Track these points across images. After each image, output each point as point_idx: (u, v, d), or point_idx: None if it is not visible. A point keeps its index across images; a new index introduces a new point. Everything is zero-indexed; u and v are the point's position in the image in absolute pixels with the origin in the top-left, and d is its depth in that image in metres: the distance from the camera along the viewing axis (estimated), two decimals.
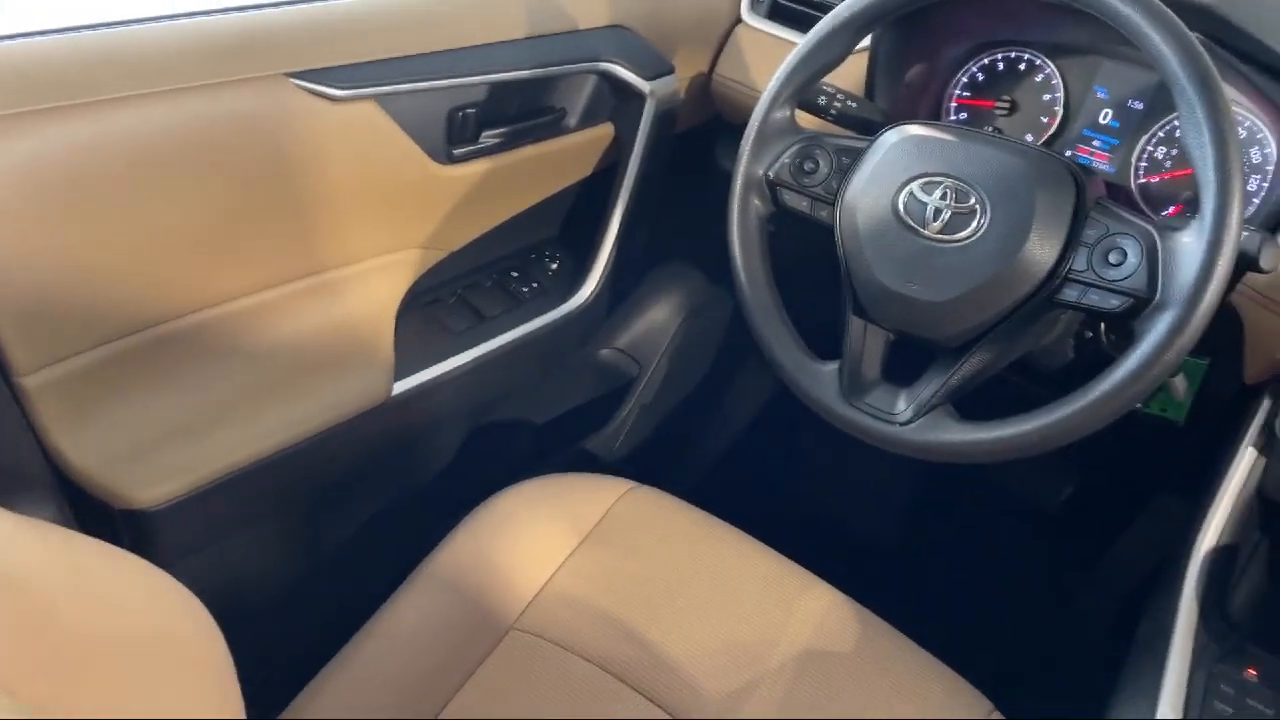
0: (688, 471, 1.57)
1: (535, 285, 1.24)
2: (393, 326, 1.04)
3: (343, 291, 0.98)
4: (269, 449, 0.93)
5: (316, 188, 0.90)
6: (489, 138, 1.05)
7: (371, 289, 1.01)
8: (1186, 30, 0.72)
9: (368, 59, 0.91)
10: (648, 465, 1.47)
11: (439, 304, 1.17)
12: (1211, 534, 0.85)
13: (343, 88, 0.88)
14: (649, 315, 1.46)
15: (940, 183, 0.80)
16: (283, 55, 0.85)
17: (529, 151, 1.09)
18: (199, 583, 0.68)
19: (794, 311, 0.90)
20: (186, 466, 0.88)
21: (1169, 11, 0.73)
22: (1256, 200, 0.89)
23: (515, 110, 1.07)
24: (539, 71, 1.03)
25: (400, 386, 1.05)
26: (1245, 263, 0.75)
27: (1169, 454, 1.10)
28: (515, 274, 1.24)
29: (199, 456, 0.88)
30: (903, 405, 0.83)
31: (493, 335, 1.16)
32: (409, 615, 0.91)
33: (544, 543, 0.97)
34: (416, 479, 1.23)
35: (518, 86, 1.04)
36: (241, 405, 0.92)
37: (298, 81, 0.86)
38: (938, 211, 0.80)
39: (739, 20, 1.21)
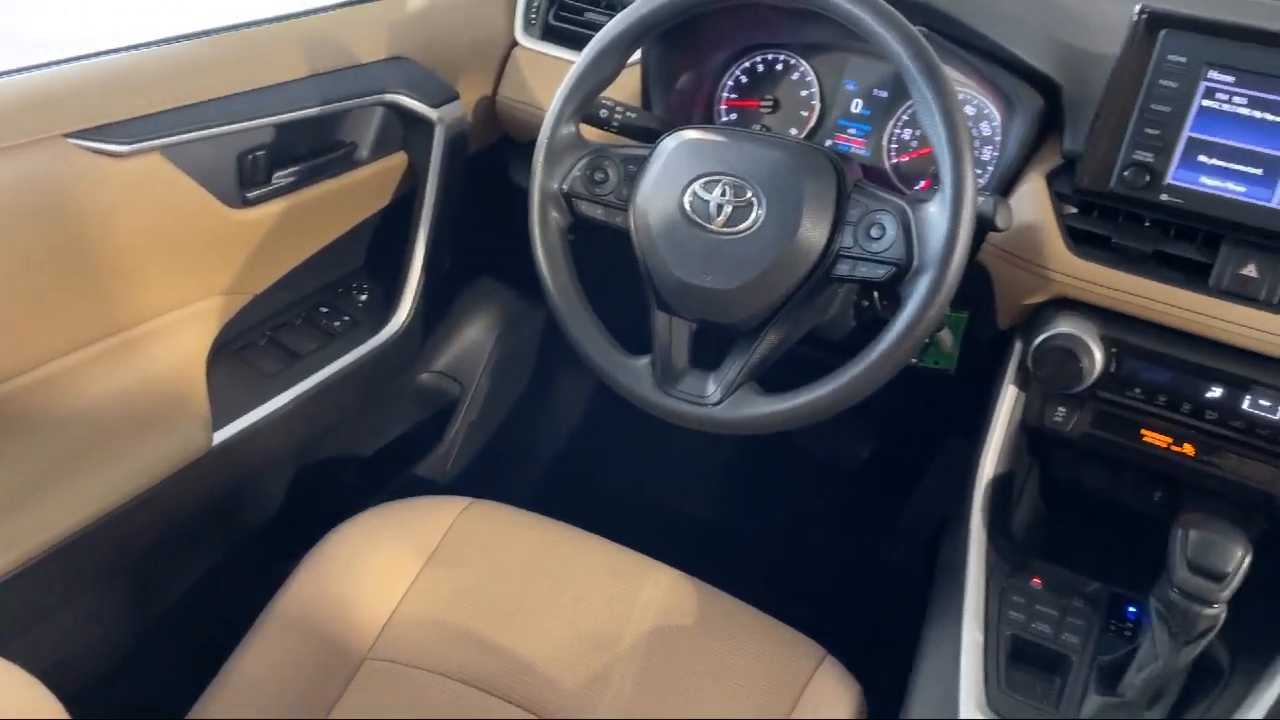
0: (522, 480, 1.61)
1: (346, 318, 1.24)
2: (204, 376, 1.03)
3: (148, 347, 0.97)
4: (91, 516, 0.91)
5: (107, 246, 0.88)
6: (281, 178, 1.05)
7: (178, 341, 1.00)
8: (910, 25, 0.82)
9: (149, 111, 0.90)
10: (482, 480, 1.49)
11: (250, 348, 1.16)
12: (989, 465, 0.97)
13: (125, 143, 0.87)
14: (465, 335, 1.49)
15: (719, 180, 0.87)
16: (60, 116, 0.84)
17: (324, 187, 1.10)
18: (35, 661, 0.67)
19: (605, 313, 0.96)
20: (4, 545, 0.85)
21: (894, 10, 0.82)
22: (991, 168, 1.01)
23: (306, 148, 1.08)
24: (325, 108, 1.05)
25: (220, 436, 1.04)
26: (984, 224, 0.86)
27: (948, 401, 1.22)
28: (325, 309, 1.24)
29: (16, 533, 0.85)
30: (712, 388, 0.89)
31: (309, 373, 1.16)
32: (257, 664, 0.91)
33: (388, 570, 0.98)
34: (250, 525, 1.21)
35: (306, 124, 1.05)
36: (57, 475, 0.89)
37: (77, 141, 0.84)
38: (720, 207, 0.87)
39: (515, 43, 1.26)
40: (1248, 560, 0.77)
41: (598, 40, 0.93)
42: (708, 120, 1.17)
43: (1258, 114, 0.84)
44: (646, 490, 1.61)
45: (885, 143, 1.08)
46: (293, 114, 1.01)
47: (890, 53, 0.82)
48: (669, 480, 1.62)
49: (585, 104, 0.96)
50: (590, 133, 0.99)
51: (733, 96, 1.16)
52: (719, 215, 0.87)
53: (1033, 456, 1.04)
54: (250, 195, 1.02)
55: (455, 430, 1.46)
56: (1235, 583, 0.77)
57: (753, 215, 0.86)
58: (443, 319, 1.46)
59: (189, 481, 1.00)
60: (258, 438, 1.09)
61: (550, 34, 1.24)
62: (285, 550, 1.02)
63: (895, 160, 1.08)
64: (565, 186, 0.95)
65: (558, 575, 0.99)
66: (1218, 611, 0.78)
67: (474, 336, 1.49)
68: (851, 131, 1.11)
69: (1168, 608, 0.79)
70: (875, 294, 1.00)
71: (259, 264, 1.06)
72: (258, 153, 1.01)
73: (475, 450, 1.50)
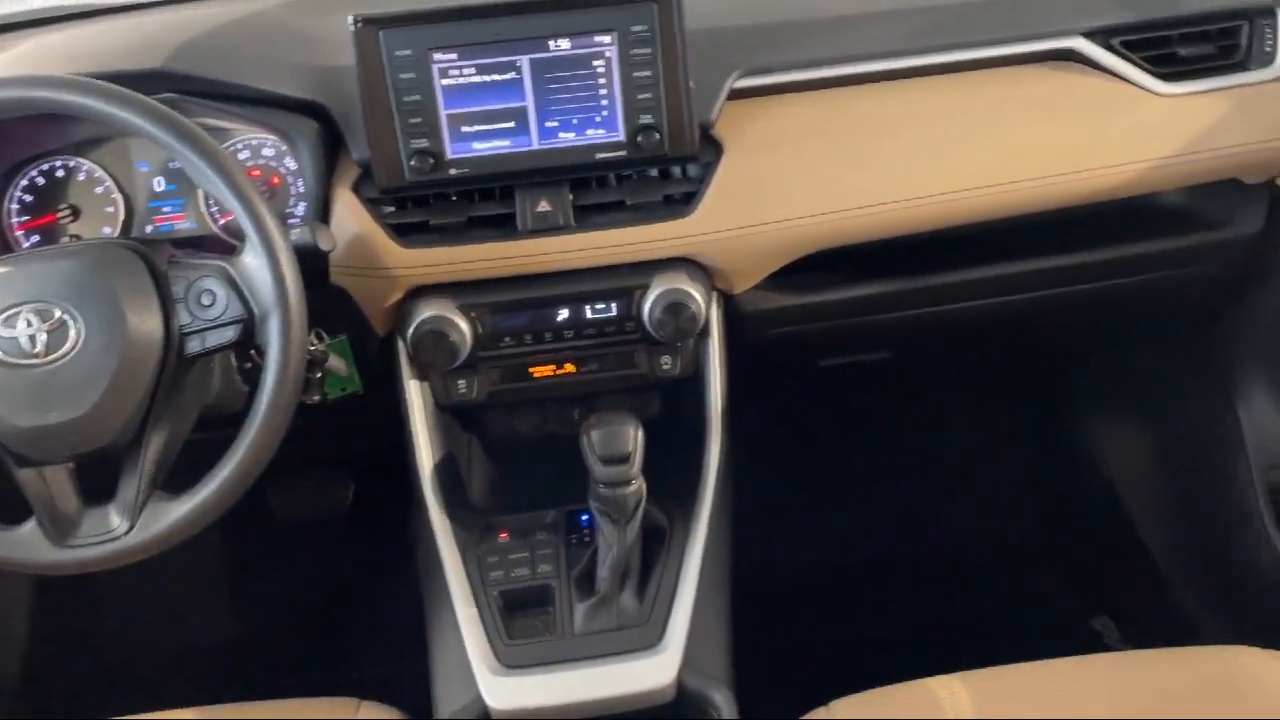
0: None
1: None
2: None
3: None
4: None
5: None
6: None
7: None
8: (144, 98, 0.81)
9: None
10: None
11: None
12: (425, 456, 1.02)
13: None
14: None
15: (19, 312, 0.81)
16: None
17: None
18: None
19: None
20: None
21: (121, 89, 0.81)
22: (305, 201, 1.04)
23: None
24: None
25: None
26: (310, 251, 0.89)
27: (375, 418, 1.26)
28: None
29: None
30: (117, 519, 0.84)
31: None
32: None
33: None
34: None
35: None
36: None
37: None
38: (32, 338, 0.80)
39: None
40: (640, 435, 0.90)
41: None
42: (7, 252, 1.06)
43: (488, 78, 0.96)
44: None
45: (204, 209, 1.07)
46: None
47: (138, 130, 0.81)
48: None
49: None
50: None
51: (24, 219, 1.06)
52: (36, 346, 0.80)
53: (467, 430, 1.12)
54: None
55: None
56: (639, 457, 0.90)
57: (72, 334, 0.81)
58: None
59: None
60: None
61: None
62: None
63: (222, 222, 1.08)
64: None
65: None
66: (637, 486, 0.90)
67: None
68: (167, 210, 1.08)
69: (601, 501, 0.90)
70: (252, 353, 1.00)
71: None
72: None
73: None
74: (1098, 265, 1.13)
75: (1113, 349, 1.55)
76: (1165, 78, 1.06)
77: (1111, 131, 1.05)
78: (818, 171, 1.03)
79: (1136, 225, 1.14)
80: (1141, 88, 1.05)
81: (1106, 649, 0.95)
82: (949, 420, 1.69)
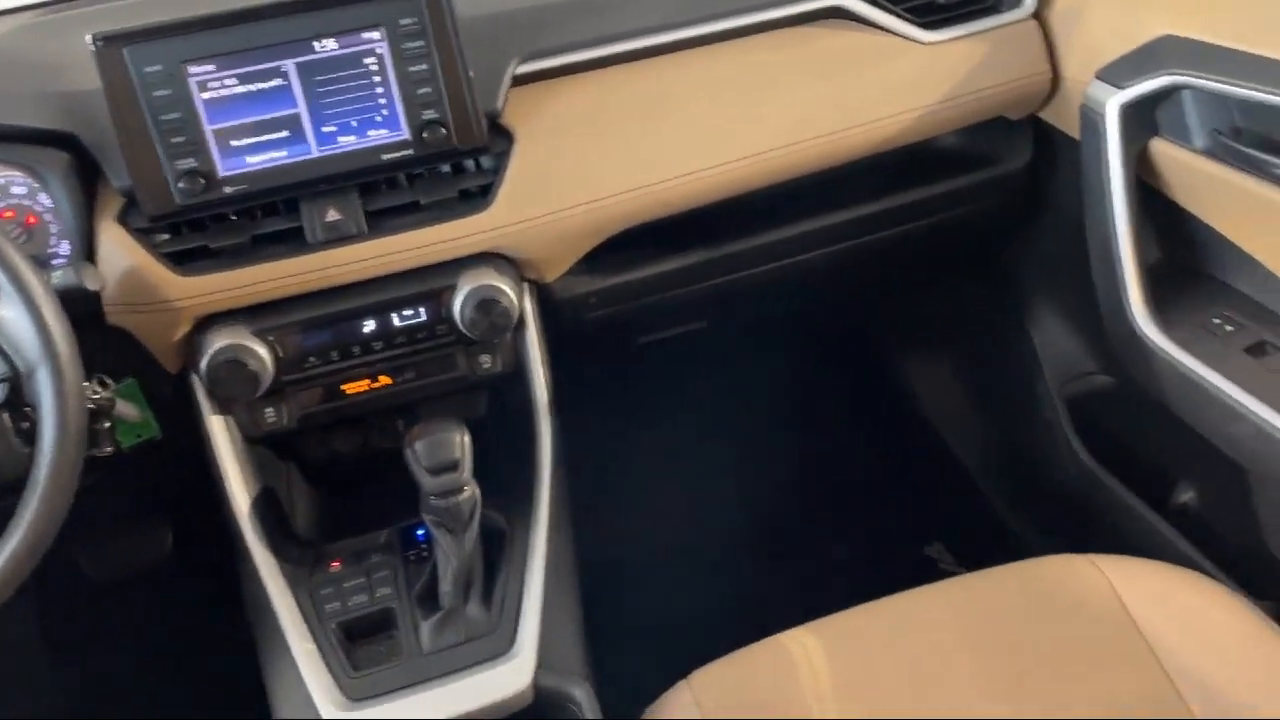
0: None
1: None
2: None
3: None
4: None
5: None
6: None
7: None
8: None
9: None
10: None
11: None
12: (239, 494, 0.96)
13: None
14: None
15: None
16: None
17: None
18: None
19: None
20: None
21: None
22: (66, 239, 0.95)
23: None
24: None
25: None
26: (76, 294, 0.82)
27: (182, 460, 1.18)
28: None
29: None
30: None
31: None
32: None
33: None
34: None
35: None
36: None
37: None
38: None
39: None
40: (467, 439, 0.88)
41: None
42: None
43: (253, 87, 0.90)
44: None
45: None
46: None
47: None
48: None
49: None
50: None
51: None
52: None
53: (283, 458, 1.06)
54: None
55: None
56: (468, 462, 0.87)
57: None
58: None
59: None
60: None
61: None
62: None
63: None
64: None
65: None
66: (470, 492, 0.88)
67: None
68: None
69: (434, 513, 0.87)
70: (27, 410, 0.91)
71: None
72: None
73: None
74: (888, 213, 1.18)
75: (916, 289, 1.62)
76: (927, 26, 1.10)
77: (884, 84, 1.09)
78: (611, 150, 1.02)
79: (919, 171, 1.19)
80: (907, 38, 1.10)
81: (943, 574, 1.00)
82: (773, 379, 1.73)
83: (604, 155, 1.02)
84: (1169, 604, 0.92)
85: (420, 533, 0.97)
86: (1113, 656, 0.88)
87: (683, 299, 1.16)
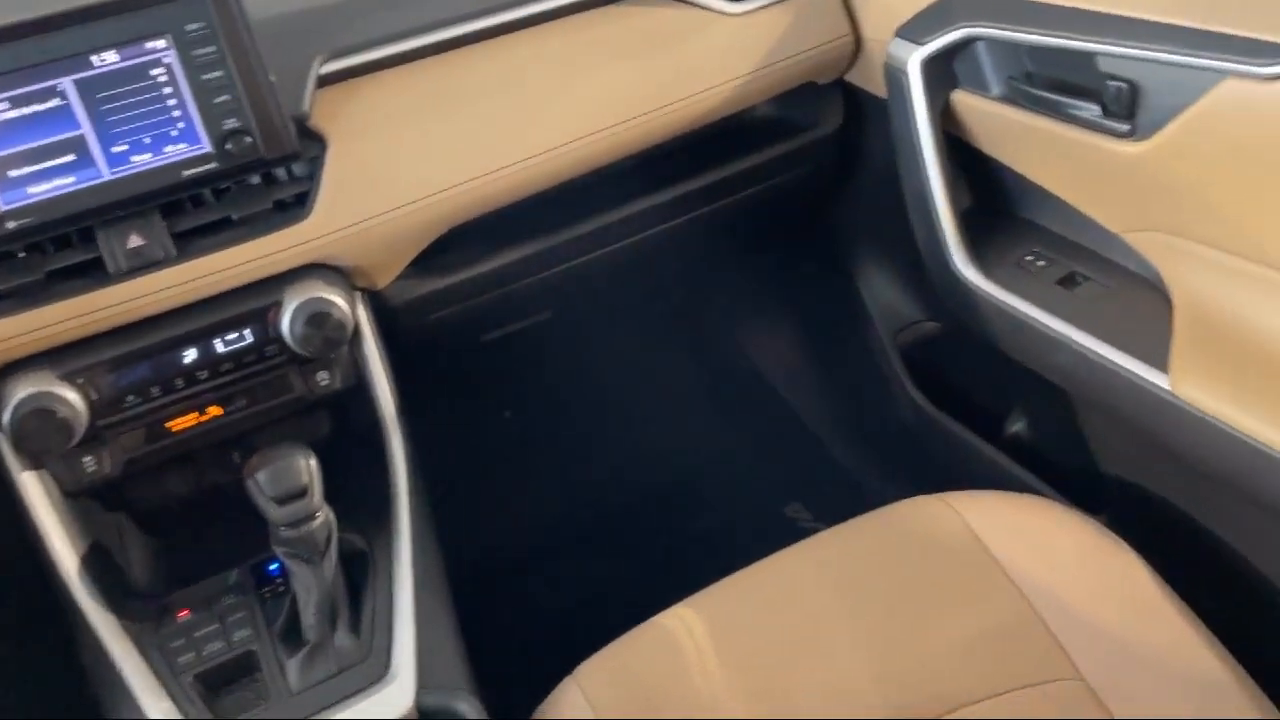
0: None
1: None
2: None
3: None
4: None
5: None
6: None
7: None
8: None
9: None
10: None
11: None
12: (60, 545, 0.87)
13: None
14: None
15: None
16: None
17: None
18: None
19: None
20: None
21: None
22: None
23: None
24: None
25: None
26: None
27: None
28: None
29: None
30: None
31: None
32: None
33: None
34: None
35: None
36: None
37: None
38: None
39: None
40: (314, 462, 0.83)
41: None
42: None
43: (27, 110, 0.82)
44: None
45: None
46: None
47: None
48: None
49: None
50: None
51: None
52: None
53: (113, 508, 0.98)
54: None
55: None
56: (318, 486, 0.83)
57: None
58: None
59: None
60: None
61: None
62: None
63: None
64: None
65: None
66: (324, 517, 0.83)
67: None
68: None
69: (287, 544, 0.82)
70: None
71: None
72: None
73: None
74: (714, 186, 1.19)
75: (751, 258, 1.65)
76: None
77: (697, 57, 1.09)
78: (430, 146, 0.99)
79: (742, 143, 1.21)
80: (713, 10, 1.11)
81: (804, 533, 1.02)
82: (620, 362, 1.73)
83: (423, 152, 0.99)
84: (1017, 530, 0.97)
85: (274, 567, 0.91)
86: (974, 587, 0.92)
87: (524, 291, 1.14)
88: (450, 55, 1.03)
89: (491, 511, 1.55)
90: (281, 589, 0.90)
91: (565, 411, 1.69)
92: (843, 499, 1.57)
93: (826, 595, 0.94)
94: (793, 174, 1.27)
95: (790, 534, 1.02)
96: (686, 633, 0.91)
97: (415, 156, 0.98)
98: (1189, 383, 0.89)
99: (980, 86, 1.06)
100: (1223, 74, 0.79)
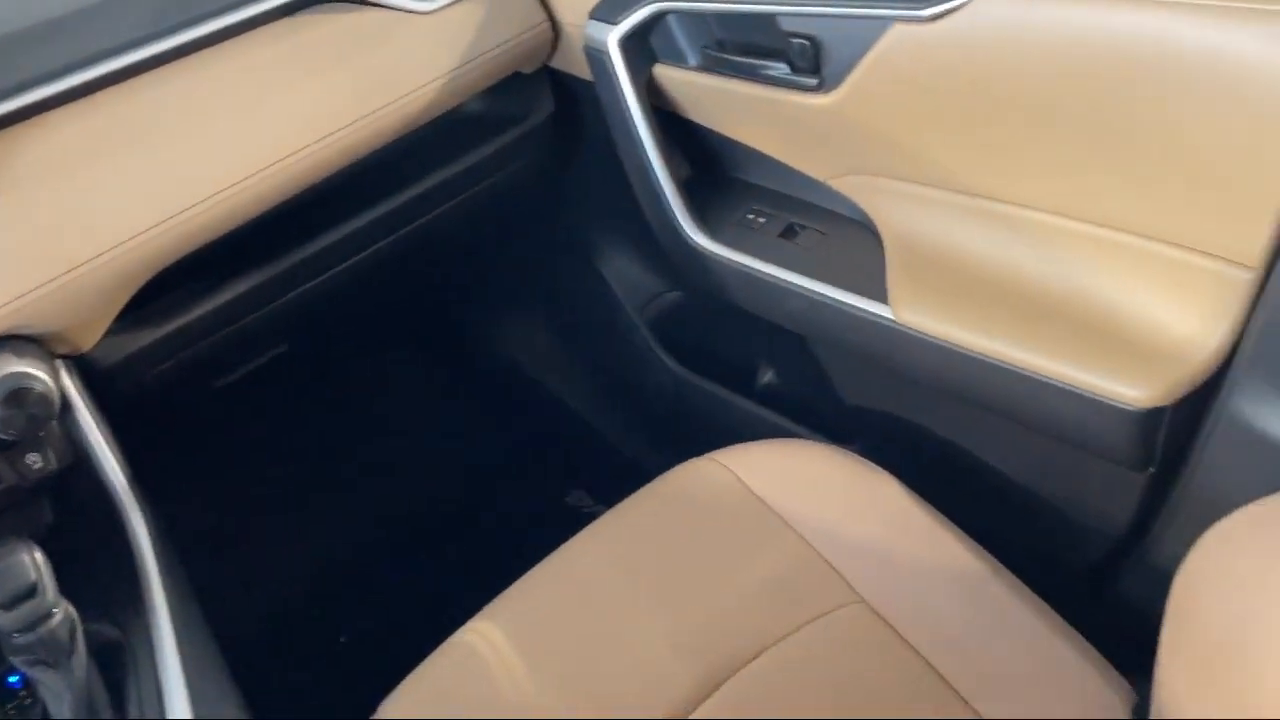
0: None
1: None
2: None
3: None
4: None
5: None
6: None
7: None
8: None
9: None
10: None
11: None
12: None
13: None
14: None
15: None
16: None
17: None
18: None
19: None
20: None
21: None
22: None
23: None
24: None
25: None
26: None
27: None
28: None
29: None
30: None
31: None
32: None
33: None
34: None
35: None
36: None
37: None
38: None
39: None
40: (40, 556, 0.74)
41: None
42: None
43: None
44: None
45: None
46: None
47: None
48: None
49: None
50: None
51: None
52: None
53: None
54: None
55: None
56: (50, 581, 0.74)
57: None
58: None
59: None
60: None
61: None
62: None
63: None
64: None
65: None
66: (62, 613, 0.75)
67: None
68: None
69: (24, 652, 0.73)
70: None
71: None
72: None
73: None
74: (434, 191, 1.16)
75: (500, 253, 1.63)
76: None
77: (394, 60, 1.06)
78: (114, 189, 0.90)
79: (459, 142, 1.19)
80: (403, 10, 1.08)
81: (589, 518, 1.02)
82: (382, 379, 1.68)
83: (107, 196, 0.90)
84: (783, 474, 1.02)
85: (14, 679, 0.81)
86: (753, 536, 0.96)
87: (253, 326, 1.07)
88: (130, 84, 0.95)
89: (275, 554, 1.46)
90: (29, 701, 0.80)
91: (327, 441, 1.61)
92: (621, 478, 1.60)
93: (616, 577, 0.94)
94: (513, 167, 1.26)
95: (575, 522, 1.02)
96: (487, 645, 0.89)
97: (98, 202, 0.89)
98: (907, 309, 0.96)
99: (678, 59, 1.09)
100: (889, 20, 0.85)
